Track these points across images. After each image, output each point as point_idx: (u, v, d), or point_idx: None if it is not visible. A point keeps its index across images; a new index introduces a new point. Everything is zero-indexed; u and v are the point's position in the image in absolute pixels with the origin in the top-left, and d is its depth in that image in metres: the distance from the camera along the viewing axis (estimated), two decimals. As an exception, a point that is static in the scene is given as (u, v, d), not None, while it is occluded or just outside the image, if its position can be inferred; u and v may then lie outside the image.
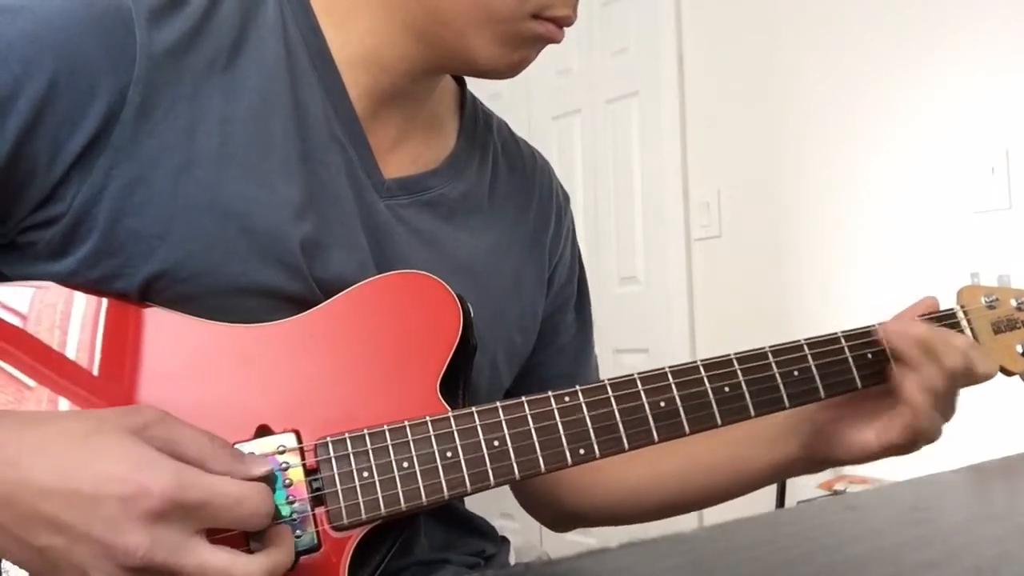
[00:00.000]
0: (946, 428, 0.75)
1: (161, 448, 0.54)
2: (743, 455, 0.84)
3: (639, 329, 2.78)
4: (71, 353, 0.64)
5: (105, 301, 0.65)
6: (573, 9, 0.73)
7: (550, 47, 0.76)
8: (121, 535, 0.51)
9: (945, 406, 0.74)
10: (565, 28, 0.74)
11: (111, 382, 0.64)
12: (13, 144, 0.62)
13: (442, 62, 0.75)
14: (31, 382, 0.62)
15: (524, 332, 0.86)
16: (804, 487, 2.15)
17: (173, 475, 0.52)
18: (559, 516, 0.95)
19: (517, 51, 0.73)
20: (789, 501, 2.12)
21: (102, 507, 0.51)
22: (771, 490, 2.13)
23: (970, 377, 0.74)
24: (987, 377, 0.75)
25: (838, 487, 1.92)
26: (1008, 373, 0.80)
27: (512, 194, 0.87)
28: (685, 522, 0.65)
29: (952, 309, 0.80)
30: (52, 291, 0.65)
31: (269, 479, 0.59)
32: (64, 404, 0.62)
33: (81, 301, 0.65)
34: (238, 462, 0.57)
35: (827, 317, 2.23)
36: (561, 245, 0.92)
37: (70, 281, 0.65)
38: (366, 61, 0.74)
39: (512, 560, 0.93)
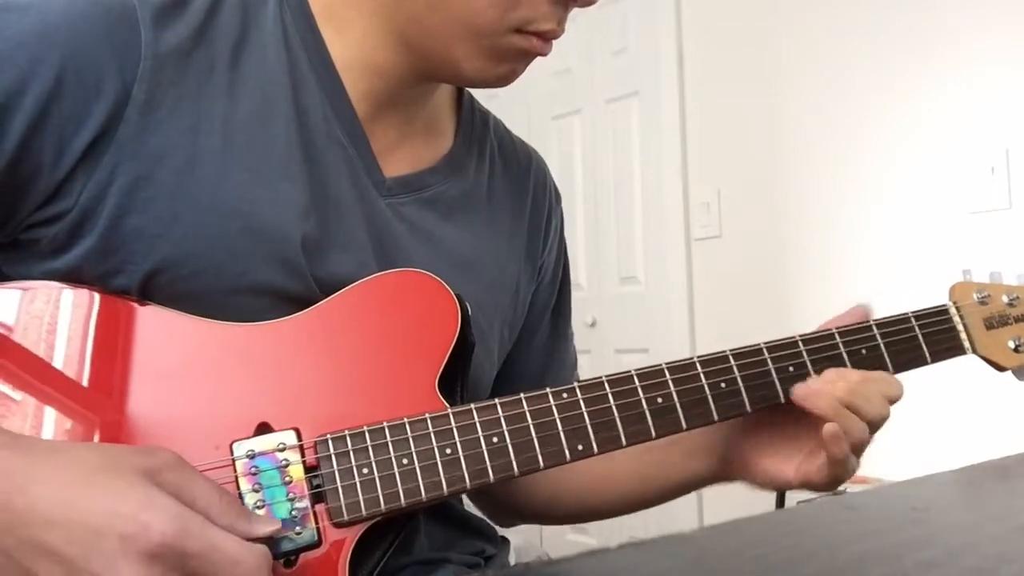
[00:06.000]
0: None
1: (170, 492, 0.54)
2: (660, 464, 0.84)
3: (639, 329, 2.79)
4: (76, 352, 0.64)
5: (108, 300, 0.65)
6: (559, 23, 0.72)
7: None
8: (115, 571, 0.50)
9: (862, 448, 0.73)
10: (553, 41, 0.73)
11: (114, 381, 0.64)
12: (19, 141, 0.63)
13: (431, 72, 0.75)
14: (42, 383, 0.63)
15: (512, 329, 0.87)
16: (803, 487, 2.15)
17: (177, 520, 0.52)
18: (506, 511, 0.95)
19: (503, 64, 0.73)
20: (789, 501, 2.12)
21: (103, 542, 0.51)
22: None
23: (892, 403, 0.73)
24: (900, 396, 0.73)
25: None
26: (1000, 368, 0.81)
27: (509, 192, 0.88)
28: (685, 522, 0.65)
29: (944, 305, 0.80)
30: (57, 290, 0.65)
31: (272, 539, 0.59)
32: (73, 403, 0.63)
33: (84, 300, 0.65)
34: (243, 519, 0.57)
35: (828, 316, 2.23)
36: (549, 244, 0.92)
37: (71, 277, 0.65)
38: (362, 67, 0.74)
39: (512, 560, 0.93)
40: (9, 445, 0.54)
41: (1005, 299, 0.81)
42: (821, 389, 0.71)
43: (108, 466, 0.54)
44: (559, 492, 0.90)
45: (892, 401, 0.73)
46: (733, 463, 0.80)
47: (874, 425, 0.72)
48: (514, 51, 0.72)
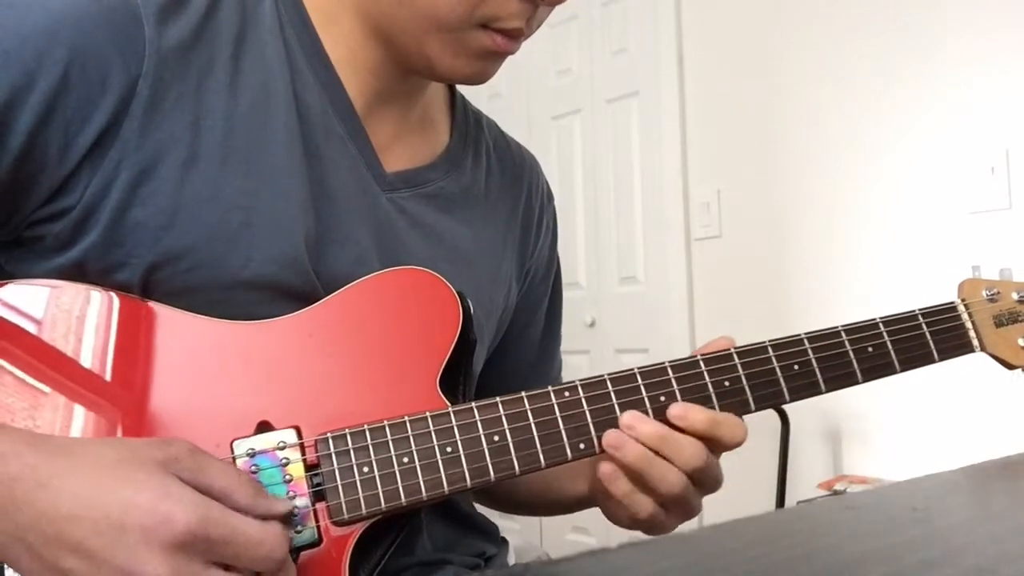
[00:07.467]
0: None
1: (188, 480, 0.55)
2: (553, 483, 0.87)
3: (639, 329, 2.78)
4: (78, 351, 0.64)
5: (108, 297, 0.65)
6: (527, 22, 0.71)
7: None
8: (141, 563, 0.51)
9: (683, 502, 0.69)
10: (522, 40, 0.73)
11: (115, 379, 0.64)
12: (25, 138, 0.63)
13: (411, 67, 0.75)
14: (44, 385, 0.63)
15: (500, 324, 0.88)
16: (804, 487, 2.15)
17: (198, 508, 0.53)
18: (505, 502, 0.97)
19: (474, 62, 0.72)
20: (789, 501, 2.12)
21: (126, 535, 0.52)
22: (771, 490, 2.14)
23: (720, 449, 0.70)
24: (736, 444, 0.69)
25: (838, 487, 1.92)
26: (1010, 367, 0.80)
27: (504, 190, 0.89)
28: (685, 522, 0.65)
29: (953, 302, 0.79)
30: (57, 288, 0.65)
31: (288, 517, 0.60)
32: (75, 403, 0.63)
33: (84, 297, 0.65)
34: (261, 497, 0.58)
35: (827, 317, 2.22)
36: (541, 241, 0.94)
37: (75, 273, 0.66)
38: (352, 62, 0.75)
39: (512, 560, 0.93)
40: (30, 443, 0.55)
41: (1015, 296, 0.80)
42: (628, 439, 0.68)
43: (126, 459, 0.54)
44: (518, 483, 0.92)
45: (727, 447, 0.69)
46: (595, 493, 0.77)
47: (695, 477, 0.68)
48: (479, 49, 0.71)
